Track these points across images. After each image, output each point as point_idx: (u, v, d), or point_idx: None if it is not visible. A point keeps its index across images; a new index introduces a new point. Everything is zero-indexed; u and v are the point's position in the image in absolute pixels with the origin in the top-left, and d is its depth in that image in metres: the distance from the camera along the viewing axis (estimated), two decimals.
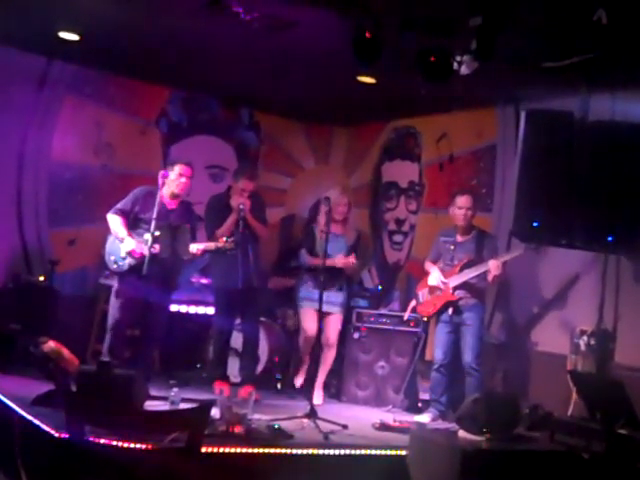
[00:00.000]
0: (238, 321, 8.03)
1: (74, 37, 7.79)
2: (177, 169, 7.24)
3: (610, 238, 6.22)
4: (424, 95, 6.90)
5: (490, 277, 7.28)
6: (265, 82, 8.77)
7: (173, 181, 7.24)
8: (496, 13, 5.77)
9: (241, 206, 7.51)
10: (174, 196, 7.29)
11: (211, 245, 7.34)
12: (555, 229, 6.33)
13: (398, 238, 9.98)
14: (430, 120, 9.57)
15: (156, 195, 7.11)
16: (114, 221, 7.18)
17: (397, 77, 6.82)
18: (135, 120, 9.52)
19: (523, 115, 6.51)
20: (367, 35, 6.08)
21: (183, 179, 7.24)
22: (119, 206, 7.23)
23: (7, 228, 8.67)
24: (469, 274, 7.35)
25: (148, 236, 6.95)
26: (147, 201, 7.20)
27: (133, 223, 7.20)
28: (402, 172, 10.06)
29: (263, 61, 7.98)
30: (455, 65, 6.22)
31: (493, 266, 7.14)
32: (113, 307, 7.25)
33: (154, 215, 6.93)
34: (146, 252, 6.93)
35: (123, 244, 7.06)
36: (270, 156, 10.63)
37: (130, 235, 7.09)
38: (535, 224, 6.30)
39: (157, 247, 6.96)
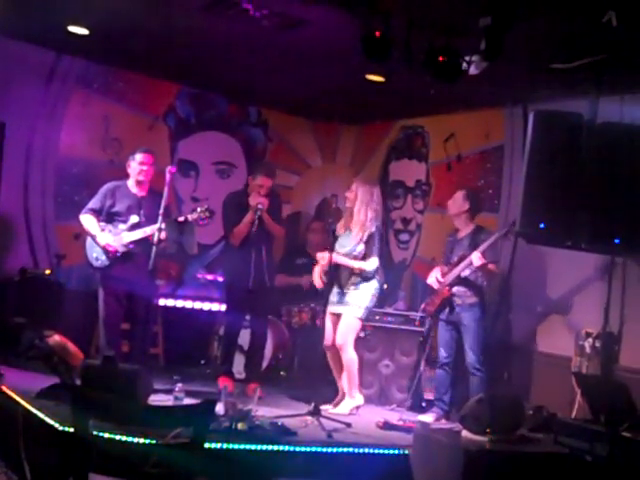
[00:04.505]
0: (246, 318, 8.03)
1: (84, 32, 7.79)
2: (138, 157, 7.39)
3: (617, 240, 6.21)
4: (432, 95, 6.90)
5: (480, 265, 7.26)
6: (273, 79, 8.77)
7: (135, 169, 7.39)
8: (506, 13, 5.77)
9: (259, 205, 7.51)
10: (139, 183, 7.39)
11: (188, 217, 7.38)
12: (562, 230, 6.31)
13: (404, 237, 9.98)
14: (438, 120, 9.56)
15: (123, 188, 7.40)
16: (87, 221, 7.32)
17: (406, 76, 6.80)
18: (143, 115, 9.53)
19: (531, 116, 6.49)
20: (376, 34, 6.08)
21: (145, 167, 7.37)
22: (90, 206, 7.37)
23: (14, 221, 8.68)
24: (460, 267, 7.36)
25: (126, 234, 7.17)
26: (117, 195, 7.37)
27: (108, 218, 7.31)
28: (409, 171, 10.06)
29: (272, 58, 7.99)
30: (464, 65, 6.21)
31: (474, 258, 7.16)
32: (101, 302, 7.33)
33: (161, 211, 6.97)
34: (121, 248, 7.16)
35: (98, 240, 7.18)
36: (277, 153, 10.64)
37: (103, 231, 7.23)
38: (541, 225, 6.28)
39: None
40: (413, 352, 8.24)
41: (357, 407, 7.39)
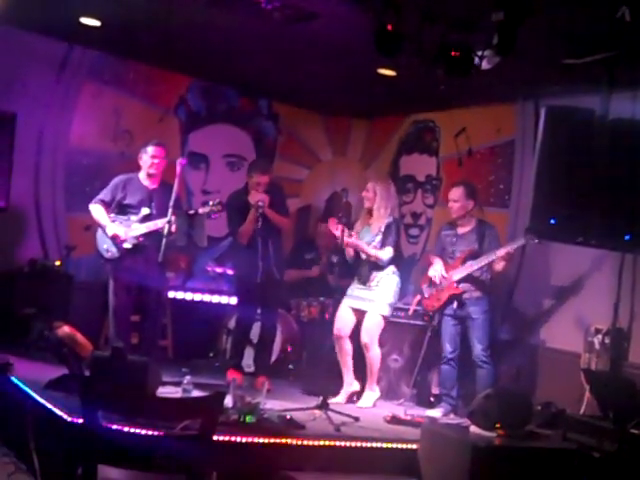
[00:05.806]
0: (257, 312, 8.03)
1: (95, 23, 7.79)
2: (150, 150, 7.37)
3: (627, 237, 6.20)
4: (444, 89, 6.88)
5: (500, 266, 7.24)
6: (284, 73, 8.76)
7: (146, 162, 7.37)
8: (518, 8, 5.75)
9: (260, 203, 7.46)
10: (150, 176, 7.38)
11: (199, 210, 7.41)
12: (572, 227, 6.30)
13: (414, 232, 9.97)
14: (449, 114, 9.54)
15: (134, 181, 7.38)
16: (96, 210, 7.32)
17: (418, 70, 6.78)
18: (154, 108, 9.53)
19: (543, 111, 6.48)
20: (388, 28, 6.07)
21: (157, 160, 7.35)
22: (100, 196, 7.37)
23: (24, 212, 8.71)
24: (474, 265, 7.32)
25: (137, 226, 7.18)
26: (128, 188, 7.36)
27: (119, 210, 7.32)
28: (420, 166, 10.04)
29: (283, 52, 7.98)
30: (476, 60, 6.19)
31: (501, 253, 7.15)
32: (111, 293, 7.33)
33: (171, 203, 6.97)
34: (131, 240, 7.15)
35: (107, 230, 7.19)
36: (288, 147, 10.65)
37: (113, 221, 7.23)
38: (552, 221, 6.27)
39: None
40: (422, 347, 8.22)
41: (377, 399, 7.55)
